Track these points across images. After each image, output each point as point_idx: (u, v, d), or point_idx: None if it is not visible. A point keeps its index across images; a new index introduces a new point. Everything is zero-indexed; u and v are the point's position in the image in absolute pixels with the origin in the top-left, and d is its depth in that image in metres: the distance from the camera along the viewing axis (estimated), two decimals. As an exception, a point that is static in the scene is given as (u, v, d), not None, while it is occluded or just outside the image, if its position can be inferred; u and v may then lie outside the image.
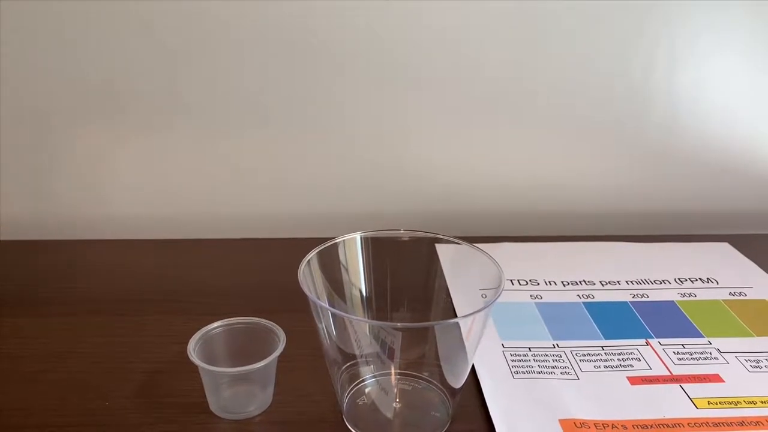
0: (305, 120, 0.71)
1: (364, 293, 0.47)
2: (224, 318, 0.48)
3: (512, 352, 0.52)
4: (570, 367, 0.50)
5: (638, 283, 0.62)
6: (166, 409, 0.46)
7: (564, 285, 0.62)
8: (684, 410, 0.46)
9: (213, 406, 0.46)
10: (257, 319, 0.48)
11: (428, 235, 0.47)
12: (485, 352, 0.51)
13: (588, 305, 0.59)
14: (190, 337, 0.46)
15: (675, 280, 0.63)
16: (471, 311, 0.39)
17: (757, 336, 0.54)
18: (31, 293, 0.60)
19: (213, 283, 0.62)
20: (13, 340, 0.53)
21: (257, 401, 0.46)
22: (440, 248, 0.48)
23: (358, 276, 0.47)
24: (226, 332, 0.47)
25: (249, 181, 0.74)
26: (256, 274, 0.64)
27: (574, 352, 0.52)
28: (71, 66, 0.66)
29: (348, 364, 0.44)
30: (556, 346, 0.53)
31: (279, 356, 0.45)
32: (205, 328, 0.47)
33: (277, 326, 0.47)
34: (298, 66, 0.69)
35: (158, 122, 0.70)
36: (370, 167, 0.74)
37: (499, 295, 0.41)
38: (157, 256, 0.68)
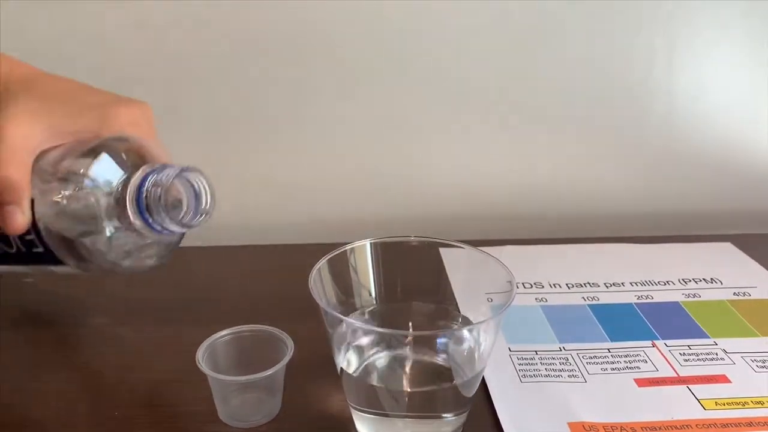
0: (310, 127, 0.71)
1: (374, 300, 0.47)
2: (232, 326, 0.48)
3: (519, 356, 0.52)
4: (577, 369, 0.50)
5: (642, 284, 0.62)
6: (175, 418, 0.46)
7: (569, 287, 0.62)
8: (692, 411, 0.46)
9: (222, 415, 0.46)
10: (265, 326, 0.48)
11: (438, 240, 0.47)
12: (492, 356, 0.51)
13: (593, 307, 0.59)
14: (198, 346, 0.45)
15: (679, 280, 0.63)
16: (480, 316, 0.39)
17: (763, 336, 0.54)
18: (37, 304, 0.60)
19: (220, 291, 0.62)
20: (18, 351, 0.53)
21: (266, 409, 0.46)
22: (448, 253, 0.48)
23: (368, 282, 0.47)
24: (235, 340, 0.47)
25: (256, 188, 0.73)
26: (264, 281, 0.64)
27: (580, 355, 0.52)
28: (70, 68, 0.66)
29: (358, 372, 0.44)
30: (562, 349, 0.53)
31: (287, 364, 0.45)
32: (213, 336, 0.47)
33: (285, 334, 0.47)
34: (304, 74, 0.68)
35: (159, 129, 0.70)
36: (372, 173, 0.74)
37: (511, 301, 0.40)
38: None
